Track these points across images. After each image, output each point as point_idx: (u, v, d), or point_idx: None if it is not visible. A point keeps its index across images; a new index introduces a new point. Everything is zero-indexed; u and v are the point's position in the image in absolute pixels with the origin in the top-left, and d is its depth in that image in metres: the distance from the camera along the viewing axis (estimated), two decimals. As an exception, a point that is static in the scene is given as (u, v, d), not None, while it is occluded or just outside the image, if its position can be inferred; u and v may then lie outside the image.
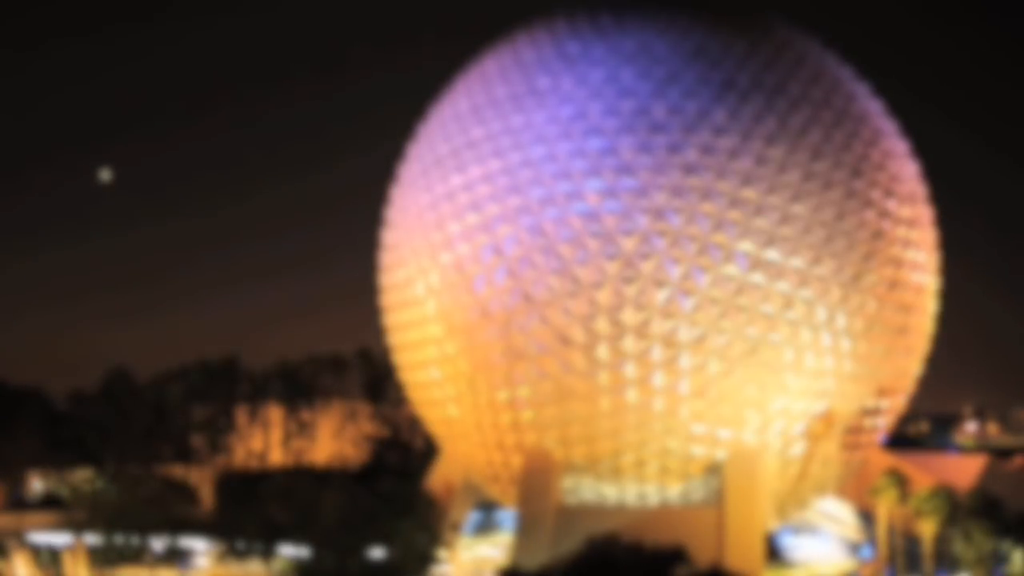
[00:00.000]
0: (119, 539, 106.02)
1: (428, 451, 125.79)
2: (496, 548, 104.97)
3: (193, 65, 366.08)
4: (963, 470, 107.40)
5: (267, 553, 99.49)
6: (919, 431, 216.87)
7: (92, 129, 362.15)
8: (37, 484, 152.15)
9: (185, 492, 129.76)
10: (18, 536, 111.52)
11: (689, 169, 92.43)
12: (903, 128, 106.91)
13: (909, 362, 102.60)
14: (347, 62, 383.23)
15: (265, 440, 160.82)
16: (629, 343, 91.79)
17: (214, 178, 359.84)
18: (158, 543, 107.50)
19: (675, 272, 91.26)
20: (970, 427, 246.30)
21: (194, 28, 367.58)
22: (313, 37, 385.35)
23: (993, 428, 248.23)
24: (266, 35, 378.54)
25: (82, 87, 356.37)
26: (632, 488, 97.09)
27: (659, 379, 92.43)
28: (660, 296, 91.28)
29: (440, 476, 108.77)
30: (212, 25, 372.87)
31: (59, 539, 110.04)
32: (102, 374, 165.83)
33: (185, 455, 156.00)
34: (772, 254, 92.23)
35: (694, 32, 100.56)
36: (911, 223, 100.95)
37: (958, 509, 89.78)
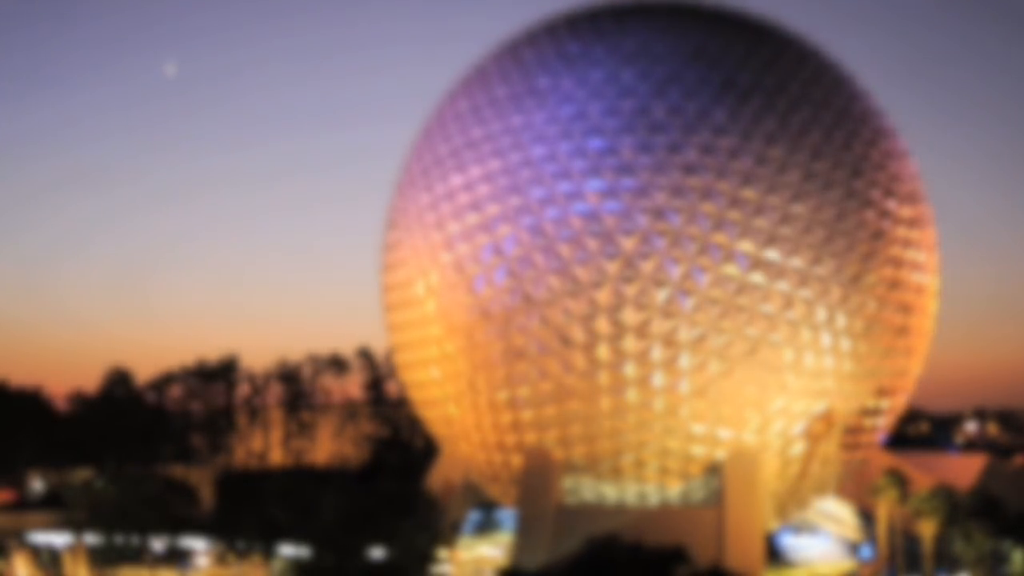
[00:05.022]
0: (119, 539, 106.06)
1: (428, 451, 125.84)
2: (496, 548, 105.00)
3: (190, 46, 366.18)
4: (963, 470, 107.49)
5: (267, 553, 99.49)
6: (919, 431, 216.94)
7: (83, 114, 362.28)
8: (37, 484, 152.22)
9: (185, 492, 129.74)
10: (18, 536, 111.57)
11: (689, 169, 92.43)
12: (903, 127, 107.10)
13: (909, 362, 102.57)
14: (349, 61, 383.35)
15: (265, 440, 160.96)
16: (629, 343, 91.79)
17: (213, 179, 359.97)
18: (158, 543, 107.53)
19: (675, 272, 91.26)
20: (970, 427, 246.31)
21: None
22: (315, 36, 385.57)
23: (993, 428, 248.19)
24: (270, 32, 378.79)
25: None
26: (632, 488, 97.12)
27: (659, 379, 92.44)
28: (660, 296, 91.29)
29: (440, 476, 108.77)
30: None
31: (59, 539, 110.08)
32: (102, 374, 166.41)
33: (185, 455, 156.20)
34: (772, 254, 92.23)
35: (694, 32, 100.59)
36: (911, 223, 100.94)
37: (958, 509, 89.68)
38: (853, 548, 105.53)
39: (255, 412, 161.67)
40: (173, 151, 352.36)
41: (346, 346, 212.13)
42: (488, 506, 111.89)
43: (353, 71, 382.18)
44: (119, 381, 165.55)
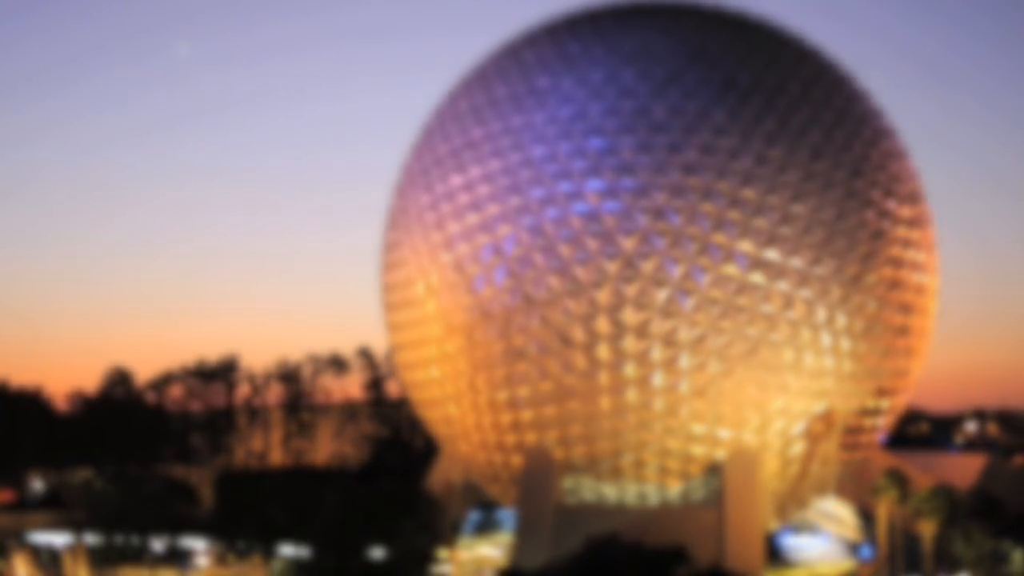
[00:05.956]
0: (119, 539, 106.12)
1: (428, 451, 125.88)
2: (496, 548, 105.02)
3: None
4: (963, 470, 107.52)
5: (267, 553, 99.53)
6: (919, 431, 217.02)
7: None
8: (37, 484, 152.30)
9: (185, 492, 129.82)
10: (18, 536, 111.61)
11: (689, 169, 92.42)
12: (903, 127, 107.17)
13: (909, 362, 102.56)
14: (348, 61, 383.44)
15: (265, 440, 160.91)
16: (629, 343, 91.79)
17: (213, 179, 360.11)
18: (158, 543, 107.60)
19: (675, 272, 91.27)
20: (970, 427, 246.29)
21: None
22: (317, 34, 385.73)
23: (993, 428, 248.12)
24: (273, 29, 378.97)
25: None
26: (632, 488, 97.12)
27: (659, 379, 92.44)
28: (660, 296, 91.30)
29: (440, 476, 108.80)
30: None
31: (59, 539, 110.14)
32: (102, 374, 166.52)
33: (185, 455, 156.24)
34: (772, 254, 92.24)
35: (694, 32, 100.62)
36: (911, 223, 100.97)
37: (958, 509, 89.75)
38: (853, 548, 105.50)
39: (255, 412, 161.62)
40: (174, 150, 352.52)
41: (346, 346, 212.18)
42: (488, 506, 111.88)
43: (352, 71, 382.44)
44: (119, 381, 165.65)
